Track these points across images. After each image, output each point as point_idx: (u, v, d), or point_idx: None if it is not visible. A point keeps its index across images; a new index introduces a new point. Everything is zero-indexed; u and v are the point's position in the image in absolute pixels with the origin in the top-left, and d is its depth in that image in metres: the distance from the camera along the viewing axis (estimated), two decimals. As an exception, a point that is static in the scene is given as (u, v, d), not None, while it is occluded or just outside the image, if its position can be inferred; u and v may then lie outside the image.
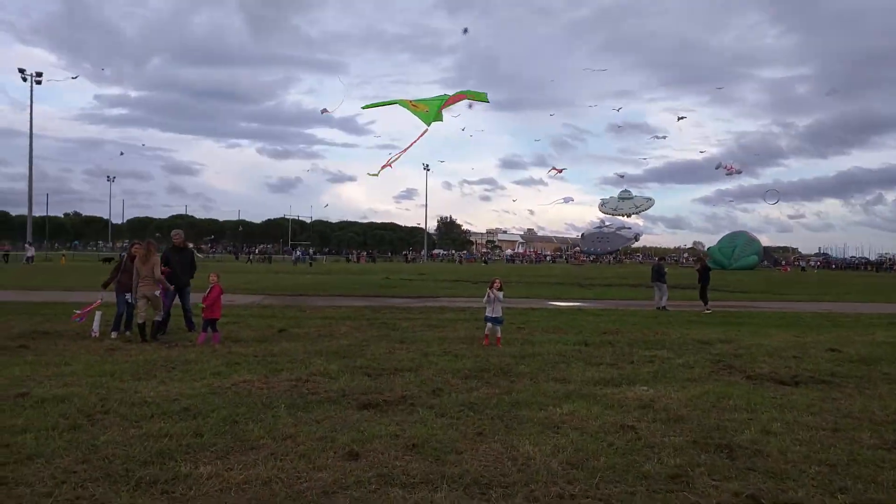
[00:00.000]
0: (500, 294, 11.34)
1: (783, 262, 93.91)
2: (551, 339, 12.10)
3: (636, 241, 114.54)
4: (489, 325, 11.29)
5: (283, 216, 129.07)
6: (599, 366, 9.57)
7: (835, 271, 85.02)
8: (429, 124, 11.96)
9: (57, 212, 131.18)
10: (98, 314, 11.55)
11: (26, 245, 64.49)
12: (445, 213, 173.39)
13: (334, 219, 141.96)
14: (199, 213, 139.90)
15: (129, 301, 11.52)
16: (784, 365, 9.85)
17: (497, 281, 11.53)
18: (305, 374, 8.36)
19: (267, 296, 22.26)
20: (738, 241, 71.91)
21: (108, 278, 12.10)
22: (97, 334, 11.33)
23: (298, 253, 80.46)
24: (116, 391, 7.10)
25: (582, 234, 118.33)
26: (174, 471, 4.77)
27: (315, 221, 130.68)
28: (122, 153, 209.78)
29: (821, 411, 7.10)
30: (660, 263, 19.43)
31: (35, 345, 10.34)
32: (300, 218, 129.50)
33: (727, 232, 79.80)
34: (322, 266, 63.11)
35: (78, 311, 12.28)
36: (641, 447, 5.68)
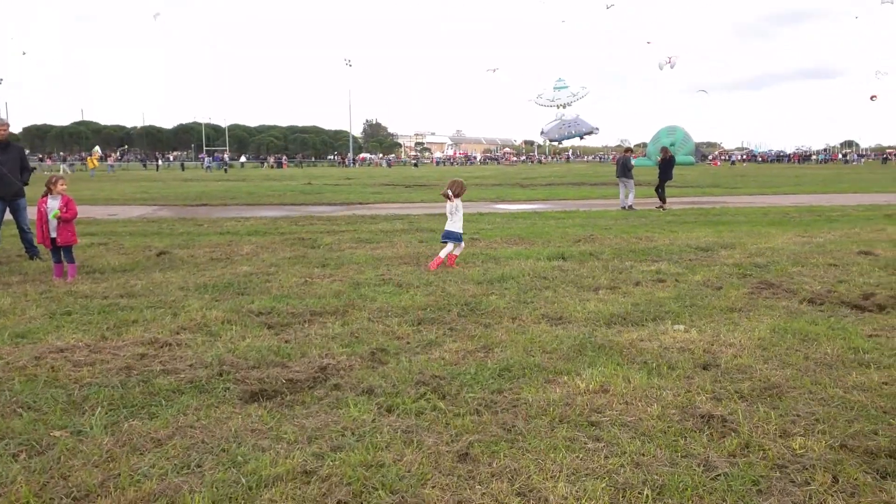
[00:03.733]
0: (458, 202, 8.50)
1: (711, 157, 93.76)
2: (518, 254, 9.40)
3: (597, 131, 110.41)
4: (449, 244, 8.39)
5: (194, 120, 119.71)
6: (597, 291, 6.96)
7: (762, 164, 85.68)
8: None
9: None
10: None
11: None
12: (371, 116, 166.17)
13: (252, 123, 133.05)
14: (103, 119, 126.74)
15: None
16: (835, 278, 7.49)
17: (458, 182, 8.69)
18: (169, 330, 5.35)
19: (161, 207, 18.57)
20: (677, 136, 70.38)
21: None
22: None
23: (210, 160, 73.16)
24: None
25: (542, 130, 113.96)
26: None
27: (231, 125, 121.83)
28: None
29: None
30: (626, 156, 16.79)
31: None
32: (211, 122, 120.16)
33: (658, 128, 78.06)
34: (238, 172, 58.02)
35: None
36: (766, 470, 3.07)
